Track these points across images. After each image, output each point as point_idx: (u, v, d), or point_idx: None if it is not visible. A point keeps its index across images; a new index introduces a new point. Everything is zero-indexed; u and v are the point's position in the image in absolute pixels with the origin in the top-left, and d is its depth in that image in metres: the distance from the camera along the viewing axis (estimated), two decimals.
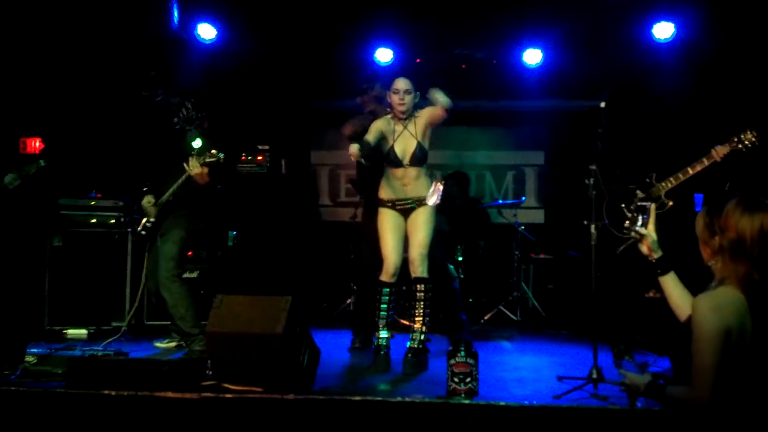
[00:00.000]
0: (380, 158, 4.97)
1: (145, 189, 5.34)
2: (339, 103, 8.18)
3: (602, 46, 7.06)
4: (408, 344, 4.76)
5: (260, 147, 7.66)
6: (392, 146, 4.87)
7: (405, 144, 4.86)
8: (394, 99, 4.86)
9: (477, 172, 8.66)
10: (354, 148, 4.58)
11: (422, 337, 4.77)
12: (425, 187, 4.87)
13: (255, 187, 7.55)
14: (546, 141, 8.68)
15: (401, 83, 4.86)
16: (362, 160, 4.64)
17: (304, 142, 8.82)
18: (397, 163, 4.87)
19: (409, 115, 4.90)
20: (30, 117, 6.01)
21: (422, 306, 4.79)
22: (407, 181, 4.88)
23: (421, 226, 4.85)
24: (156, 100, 5.39)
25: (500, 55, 7.50)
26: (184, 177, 5.06)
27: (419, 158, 4.87)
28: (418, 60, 7.47)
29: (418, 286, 4.81)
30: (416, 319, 4.80)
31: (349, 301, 7.07)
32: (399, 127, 4.89)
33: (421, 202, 4.86)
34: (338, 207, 8.78)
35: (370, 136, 4.79)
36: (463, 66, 7.59)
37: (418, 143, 4.86)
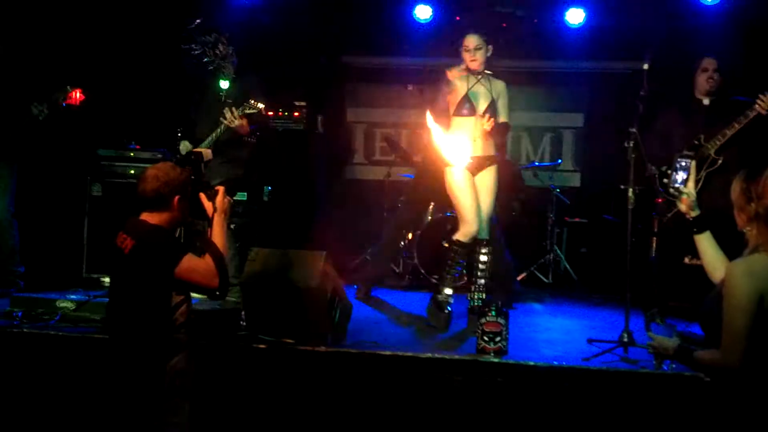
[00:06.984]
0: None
1: (179, 134, 5.37)
2: (376, 59, 8.14)
3: (647, 7, 6.90)
4: (469, 304, 4.74)
5: (297, 103, 7.65)
6: (466, 95, 4.73)
7: (480, 96, 4.74)
8: (466, 57, 4.73)
9: (514, 133, 8.53)
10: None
11: (483, 296, 4.70)
12: (493, 148, 4.82)
13: (291, 143, 7.57)
14: (585, 103, 8.52)
15: (471, 40, 4.71)
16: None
17: (340, 100, 8.79)
18: (471, 111, 4.73)
19: (483, 73, 4.78)
20: (70, 68, 6.05)
21: (485, 267, 4.75)
22: (478, 135, 4.72)
23: (489, 187, 4.80)
24: (193, 53, 5.40)
25: (541, 13, 7.38)
26: (222, 127, 5.10)
27: (492, 112, 4.73)
28: (457, 18, 7.38)
29: (482, 249, 4.75)
30: (479, 281, 4.74)
31: (369, 250, 7.04)
32: (473, 80, 4.74)
33: (490, 161, 4.80)
34: (373, 165, 8.75)
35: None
36: (504, 24, 7.47)
37: (493, 100, 4.77)
